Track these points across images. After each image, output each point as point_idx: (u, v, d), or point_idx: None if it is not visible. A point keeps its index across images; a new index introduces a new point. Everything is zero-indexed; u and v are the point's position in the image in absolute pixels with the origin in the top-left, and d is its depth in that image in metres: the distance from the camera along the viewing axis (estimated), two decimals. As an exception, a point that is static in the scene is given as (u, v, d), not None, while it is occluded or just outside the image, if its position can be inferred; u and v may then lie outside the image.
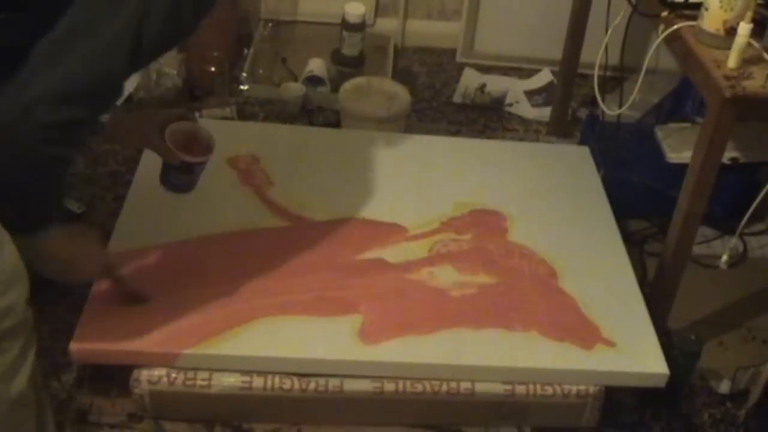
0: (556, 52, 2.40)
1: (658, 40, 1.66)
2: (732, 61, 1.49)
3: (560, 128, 2.48)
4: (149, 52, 1.27)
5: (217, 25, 1.99)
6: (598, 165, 2.12)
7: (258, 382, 1.53)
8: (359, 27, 2.57)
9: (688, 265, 1.72)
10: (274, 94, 2.46)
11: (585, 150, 2.16)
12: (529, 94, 2.66)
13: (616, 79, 2.16)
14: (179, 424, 1.59)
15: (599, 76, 1.93)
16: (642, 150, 2.20)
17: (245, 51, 2.64)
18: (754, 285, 2.04)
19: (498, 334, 1.62)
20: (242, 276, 1.66)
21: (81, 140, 1.26)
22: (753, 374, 1.70)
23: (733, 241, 2.03)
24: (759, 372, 1.68)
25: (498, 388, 1.57)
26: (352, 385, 1.55)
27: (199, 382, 1.53)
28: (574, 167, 2.09)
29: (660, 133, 2.21)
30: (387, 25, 2.84)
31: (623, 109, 1.91)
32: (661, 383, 1.59)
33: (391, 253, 1.76)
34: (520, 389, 1.57)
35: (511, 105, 2.61)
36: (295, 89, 2.45)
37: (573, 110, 2.57)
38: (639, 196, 2.14)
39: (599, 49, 1.96)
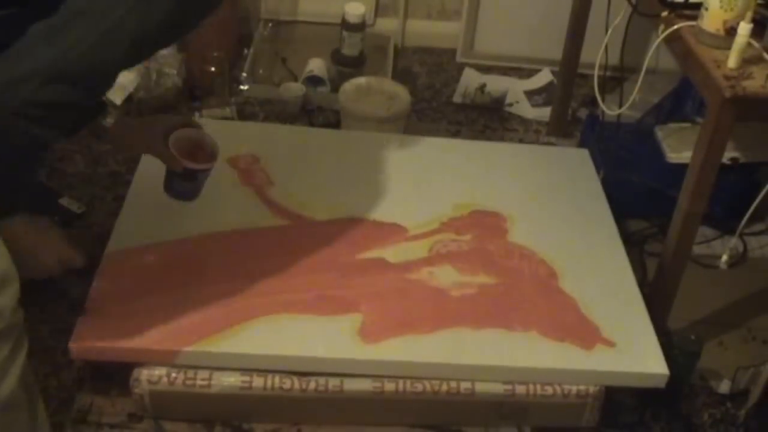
0: (556, 52, 2.40)
1: (658, 40, 1.66)
2: (732, 61, 1.49)
3: (560, 128, 2.48)
4: (148, 47, 1.25)
5: (217, 25, 1.98)
6: (598, 165, 2.12)
7: (258, 381, 1.53)
8: (359, 27, 2.57)
9: (688, 265, 1.72)
10: (274, 94, 2.46)
11: (585, 152, 2.16)
12: (529, 94, 2.66)
13: (616, 79, 2.16)
14: (179, 424, 1.59)
15: (599, 76, 1.93)
16: (642, 150, 2.20)
17: (245, 51, 2.64)
18: (754, 285, 2.04)
19: (498, 334, 1.62)
20: (242, 275, 1.66)
21: (65, 126, 1.23)
22: (753, 374, 1.70)
23: (733, 241, 2.03)
24: (759, 372, 1.68)
25: (498, 388, 1.57)
26: (352, 385, 1.55)
27: (199, 382, 1.53)
28: (574, 169, 2.09)
29: (660, 133, 2.21)
30: (387, 25, 2.84)
31: (623, 109, 1.91)
32: (661, 383, 1.59)
33: (392, 252, 1.76)
34: (520, 389, 1.57)
35: (511, 105, 2.61)
36: (295, 89, 2.45)
37: (573, 110, 2.57)
38: (639, 196, 2.14)
39: (599, 49, 1.96)
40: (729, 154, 2.01)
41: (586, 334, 1.63)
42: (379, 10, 2.82)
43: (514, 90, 2.66)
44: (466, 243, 1.82)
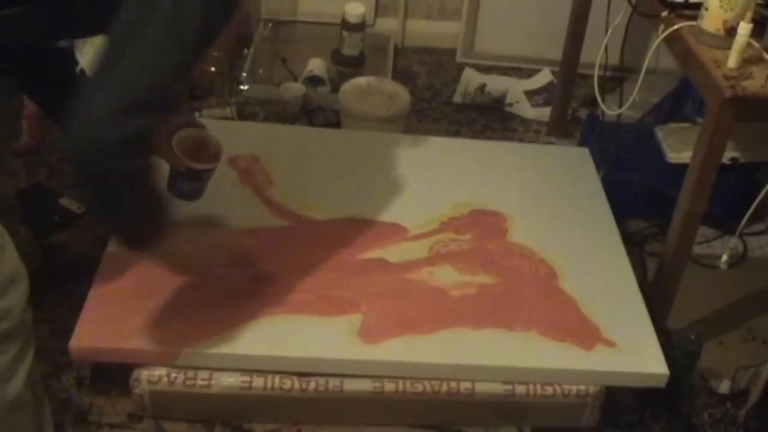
0: (556, 52, 2.40)
1: (658, 40, 1.66)
2: (732, 61, 1.49)
3: (560, 128, 2.48)
4: (198, 43, 1.25)
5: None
6: (598, 165, 2.12)
7: (258, 382, 1.53)
8: (359, 27, 2.57)
9: (688, 265, 1.73)
10: (274, 94, 2.46)
11: (585, 151, 2.16)
12: (529, 94, 2.66)
13: (616, 79, 2.16)
14: (179, 424, 1.59)
15: (599, 76, 1.93)
16: (642, 150, 2.20)
17: (245, 51, 2.64)
18: (754, 285, 2.04)
19: (498, 334, 1.62)
20: (242, 275, 1.66)
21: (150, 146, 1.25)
22: (753, 374, 1.70)
23: (733, 241, 2.03)
24: (759, 372, 1.68)
25: (498, 388, 1.57)
26: (352, 385, 1.55)
27: (199, 382, 1.53)
28: (574, 168, 2.09)
29: (660, 133, 2.21)
30: (387, 25, 2.84)
31: (623, 109, 1.91)
32: (661, 383, 1.59)
33: (391, 253, 1.76)
34: (520, 389, 1.57)
35: (511, 105, 2.61)
36: (295, 89, 2.45)
37: (573, 110, 2.57)
38: (639, 196, 2.14)
39: (599, 49, 1.96)
40: (729, 154, 2.01)
41: (586, 334, 1.63)
42: (379, 10, 2.82)
43: (514, 90, 2.66)
44: (466, 243, 1.82)
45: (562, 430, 1.65)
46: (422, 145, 2.12)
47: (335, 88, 2.42)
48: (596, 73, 1.93)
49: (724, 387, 1.75)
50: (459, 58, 2.82)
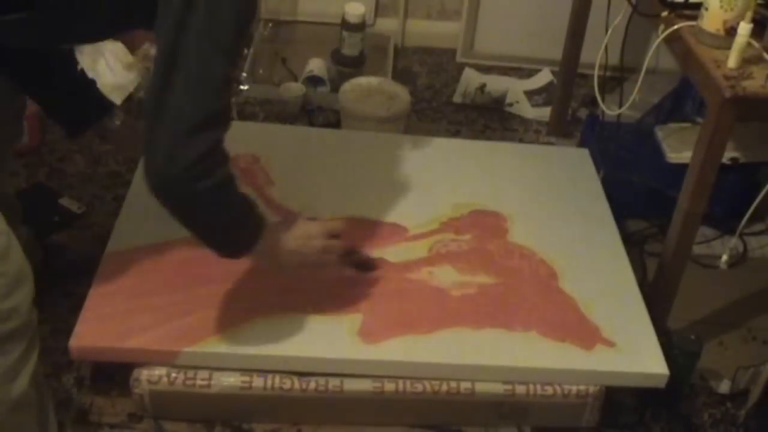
0: (556, 52, 2.40)
1: (658, 40, 1.66)
2: (732, 61, 1.49)
3: (560, 128, 2.48)
4: (234, 49, 1.27)
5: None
6: (598, 165, 2.12)
7: (258, 382, 1.53)
8: (359, 27, 2.57)
9: (688, 265, 1.73)
10: (274, 94, 2.46)
11: (585, 152, 2.16)
12: (529, 94, 2.66)
13: (616, 79, 2.17)
14: (179, 424, 1.59)
15: (599, 76, 1.93)
16: (642, 150, 2.20)
17: (245, 51, 2.64)
18: (754, 285, 2.04)
19: (498, 334, 1.62)
20: (242, 274, 1.66)
21: (225, 156, 1.27)
22: (753, 374, 1.70)
23: (733, 241, 2.03)
24: (759, 372, 1.68)
25: (498, 388, 1.57)
26: (352, 385, 1.55)
27: (199, 382, 1.53)
28: (574, 169, 2.09)
29: (660, 133, 2.21)
30: (387, 25, 2.84)
31: (623, 109, 1.91)
32: (661, 383, 1.59)
33: (391, 252, 1.76)
34: (520, 389, 1.57)
35: (511, 105, 2.61)
36: (295, 89, 2.45)
37: (573, 110, 2.57)
38: (639, 196, 2.14)
39: (599, 49, 1.96)
40: (729, 154, 2.01)
41: (586, 334, 1.63)
42: (379, 10, 2.82)
43: (514, 90, 2.66)
44: (466, 243, 1.82)
45: (562, 430, 1.65)
46: (422, 146, 2.12)
47: (335, 88, 2.42)
48: (596, 73, 1.93)
49: (724, 387, 1.75)
50: (459, 58, 2.82)
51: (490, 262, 1.77)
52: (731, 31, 1.51)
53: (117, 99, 2.31)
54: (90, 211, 2.04)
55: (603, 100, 1.95)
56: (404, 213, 1.87)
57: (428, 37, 2.86)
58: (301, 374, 1.54)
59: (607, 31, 1.95)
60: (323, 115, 2.45)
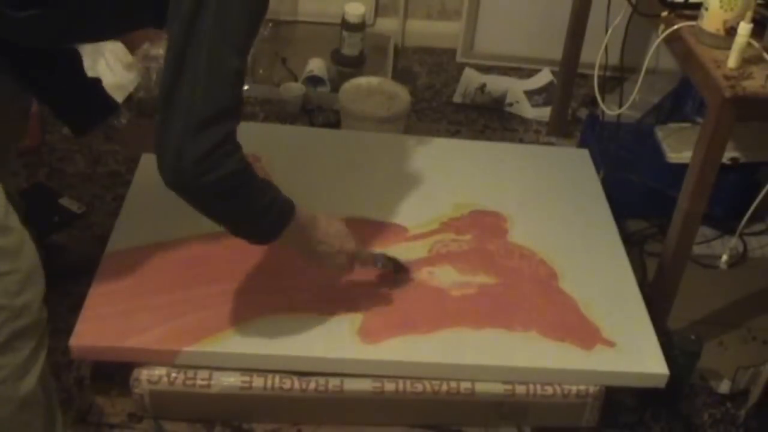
0: (556, 52, 2.40)
1: (658, 40, 1.66)
2: (732, 61, 1.49)
3: (560, 128, 2.48)
4: (245, 43, 1.28)
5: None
6: (598, 165, 2.12)
7: (258, 381, 1.53)
8: (359, 27, 2.57)
9: (688, 265, 1.73)
10: (274, 94, 2.46)
11: (585, 152, 2.16)
12: (529, 94, 2.66)
13: (616, 79, 2.16)
14: (179, 424, 1.59)
15: (599, 76, 1.93)
16: (642, 150, 2.20)
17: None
18: (754, 285, 2.04)
19: (498, 334, 1.62)
20: (242, 274, 1.66)
21: (237, 146, 1.27)
22: (753, 374, 1.70)
23: (733, 241, 2.03)
24: (759, 372, 1.68)
25: (498, 388, 1.57)
26: (352, 385, 1.55)
27: (199, 382, 1.53)
28: (574, 169, 2.09)
29: (660, 133, 2.21)
30: (387, 25, 2.84)
31: (623, 109, 1.91)
32: (661, 383, 1.59)
33: (392, 252, 1.76)
34: (520, 389, 1.57)
35: (511, 105, 2.61)
36: (295, 89, 2.45)
37: (573, 110, 2.57)
38: (639, 196, 2.14)
39: (599, 49, 1.96)
40: (729, 154, 2.01)
41: (586, 334, 1.63)
42: (379, 10, 2.82)
43: (514, 90, 2.66)
44: (466, 243, 1.82)
45: (562, 430, 1.65)
46: (422, 146, 2.12)
47: (335, 88, 2.42)
48: (596, 73, 1.93)
49: (724, 387, 1.75)
50: (459, 58, 2.82)
51: (490, 263, 1.77)
52: (731, 31, 1.51)
53: (117, 99, 2.30)
54: (90, 211, 2.04)
55: (603, 100, 1.95)
56: (404, 213, 1.87)
57: (428, 37, 2.86)
58: (301, 374, 1.54)
59: (607, 31, 1.95)
60: (323, 115, 2.45)
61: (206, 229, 1.76)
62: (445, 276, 1.73)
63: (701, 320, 1.92)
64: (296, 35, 2.80)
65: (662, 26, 1.65)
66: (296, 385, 1.54)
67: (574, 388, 1.58)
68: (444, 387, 1.56)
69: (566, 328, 1.64)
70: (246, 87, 2.48)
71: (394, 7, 2.82)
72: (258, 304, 1.61)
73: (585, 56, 2.31)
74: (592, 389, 1.58)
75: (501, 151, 2.17)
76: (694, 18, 1.59)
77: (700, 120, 2.19)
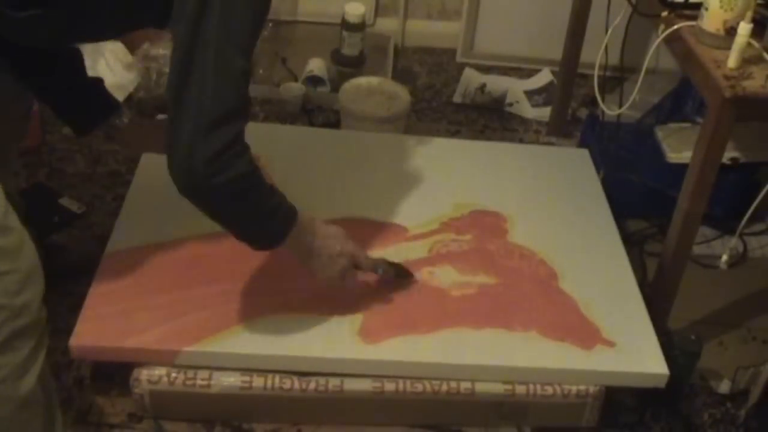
0: (556, 52, 2.40)
1: (658, 40, 1.66)
2: (732, 61, 1.49)
3: (560, 128, 2.48)
4: (249, 43, 1.28)
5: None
6: (598, 165, 2.12)
7: (258, 381, 1.53)
8: (359, 27, 2.57)
9: (688, 265, 1.72)
10: (274, 94, 2.46)
11: (585, 152, 2.16)
12: (529, 94, 2.66)
13: (616, 79, 2.16)
14: (179, 424, 1.59)
15: (599, 76, 1.93)
16: (642, 150, 2.20)
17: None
18: (754, 285, 2.04)
19: (498, 334, 1.62)
20: (242, 274, 1.66)
21: (245, 148, 1.29)
22: (753, 374, 1.70)
23: (733, 241, 2.03)
24: (759, 372, 1.68)
25: (498, 388, 1.57)
26: (352, 385, 1.55)
27: (199, 382, 1.53)
28: (574, 169, 2.09)
29: (660, 133, 2.21)
30: (387, 25, 2.84)
31: (623, 109, 1.91)
32: (661, 383, 1.59)
33: (392, 253, 1.76)
34: (520, 389, 1.57)
35: (511, 105, 2.61)
36: (295, 89, 2.45)
37: (573, 110, 2.57)
38: (639, 196, 2.14)
39: (599, 49, 1.96)
40: (729, 154, 2.01)
41: (586, 334, 1.63)
42: (379, 10, 2.82)
43: (514, 90, 2.66)
44: (466, 243, 1.82)
45: (562, 430, 1.65)
46: (422, 146, 2.12)
47: (335, 88, 2.42)
48: (596, 73, 1.93)
49: (724, 387, 1.75)
50: (459, 58, 2.82)
51: (490, 263, 1.77)
52: (731, 31, 1.51)
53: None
54: (90, 211, 2.04)
55: (603, 100, 1.95)
56: (404, 213, 1.87)
57: (428, 37, 2.86)
58: (301, 374, 1.54)
59: (607, 31, 1.95)
60: (323, 115, 2.45)
61: (206, 229, 1.76)
62: (445, 276, 1.73)
63: (701, 320, 1.92)
64: (296, 35, 2.80)
65: (662, 26, 1.65)
66: (296, 385, 1.54)
67: (574, 388, 1.58)
68: (444, 387, 1.56)
69: (566, 328, 1.64)
70: (246, 87, 2.50)
71: (394, 7, 2.82)
72: (258, 304, 1.61)
73: (585, 56, 2.30)
74: (592, 389, 1.58)
75: (501, 151, 2.17)
76: (694, 18, 1.59)
77: (700, 120, 2.19)
